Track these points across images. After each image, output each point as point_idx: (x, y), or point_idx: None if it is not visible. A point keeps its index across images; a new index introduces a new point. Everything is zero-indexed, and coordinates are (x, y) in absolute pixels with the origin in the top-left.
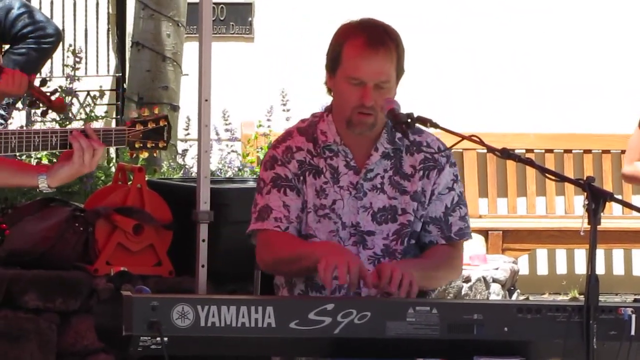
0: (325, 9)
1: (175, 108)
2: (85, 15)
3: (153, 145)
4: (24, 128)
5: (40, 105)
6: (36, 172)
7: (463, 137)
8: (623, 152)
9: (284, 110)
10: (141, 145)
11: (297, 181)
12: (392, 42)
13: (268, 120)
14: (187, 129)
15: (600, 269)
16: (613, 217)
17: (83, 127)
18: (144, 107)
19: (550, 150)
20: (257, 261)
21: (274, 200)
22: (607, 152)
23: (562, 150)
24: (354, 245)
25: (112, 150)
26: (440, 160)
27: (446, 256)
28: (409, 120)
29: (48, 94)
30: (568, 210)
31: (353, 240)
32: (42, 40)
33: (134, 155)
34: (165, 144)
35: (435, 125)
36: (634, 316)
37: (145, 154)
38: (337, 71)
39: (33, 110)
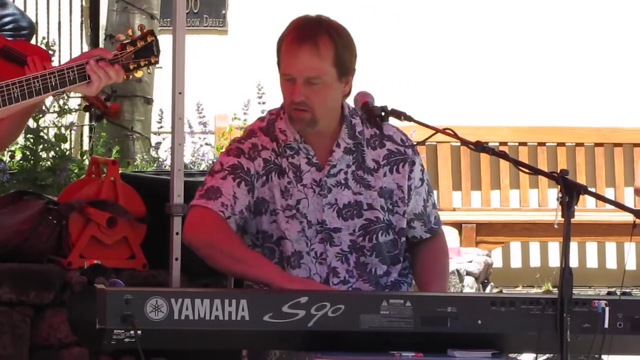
0: (299, 2)
1: (148, 101)
2: (59, 8)
3: (146, 62)
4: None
5: (96, 110)
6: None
7: (437, 130)
8: (596, 144)
9: (259, 103)
10: (135, 65)
11: (256, 180)
12: (324, 37)
13: (245, 113)
14: (160, 122)
15: (573, 262)
16: (587, 210)
17: (97, 56)
18: (129, 27)
19: (524, 143)
20: (184, 236)
21: (227, 187)
22: (580, 145)
23: (536, 143)
24: (321, 242)
25: (86, 142)
26: (408, 152)
27: (441, 251)
28: (383, 113)
29: (103, 98)
30: (541, 203)
31: (320, 238)
32: (16, 33)
33: (130, 77)
34: (156, 59)
35: (409, 119)
36: (607, 309)
37: (140, 73)
38: (279, 68)
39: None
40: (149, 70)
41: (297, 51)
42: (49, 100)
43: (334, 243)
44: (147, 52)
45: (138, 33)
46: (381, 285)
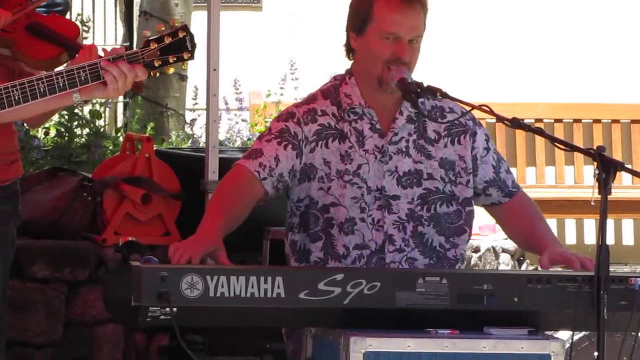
0: None
1: (183, 77)
2: None
3: (176, 58)
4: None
5: None
6: (70, 92)
7: (473, 107)
8: (633, 121)
9: (292, 79)
10: (161, 62)
11: (304, 145)
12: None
13: (281, 88)
14: (195, 99)
15: (610, 239)
16: (623, 187)
17: (111, 56)
18: (161, 23)
19: (559, 120)
20: None
21: (269, 149)
22: (616, 121)
23: (572, 120)
24: (379, 209)
25: (120, 119)
26: (469, 124)
27: (528, 203)
28: (419, 89)
29: None
30: (577, 180)
31: (378, 205)
32: (51, 9)
33: (157, 74)
34: (190, 54)
35: (445, 95)
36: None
37: (171, 70)
38: (366, 29)
39: None
40: (183, 66)
41: (406, 10)
42: None
43: (392, 210)
44: (178, 48)
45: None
46: (448, 260)
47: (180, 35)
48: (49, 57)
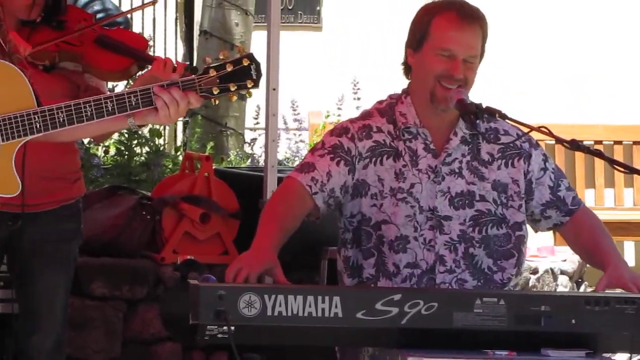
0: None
1: (243, 97)
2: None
3: (237, 87)
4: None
5: None
6: (125, 117)
7: (532, 129)
8: None
9: (354, 99)
10: (220, 90)
11: (357, 161)
12: (481, 19)
13: (339, 109)
14: (256, 118)
15: None
16: None
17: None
18: (225, 50)
19: (619, 142)
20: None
21: (322, 164)
22: None
23: (631, 142)
24: (431, 229)
25: (180, 138)
26: (524, 146)
27: (591, 219)
28: (477, 110)
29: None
30: (637, 202)
31: (430, 225)
32: (111, 28)
33: (216, 101)
34: (254, 83)
35: (504, 116)
36: None
37: (233, 98)
38: (423, 45)
39: None
40: (248, 95)
41: (464, 28)
42: None
43: (443, 231)
44: (241, 76)
45: (236, 55)
46: (495, 282)
47: (245, 63)
48: (119, 69)
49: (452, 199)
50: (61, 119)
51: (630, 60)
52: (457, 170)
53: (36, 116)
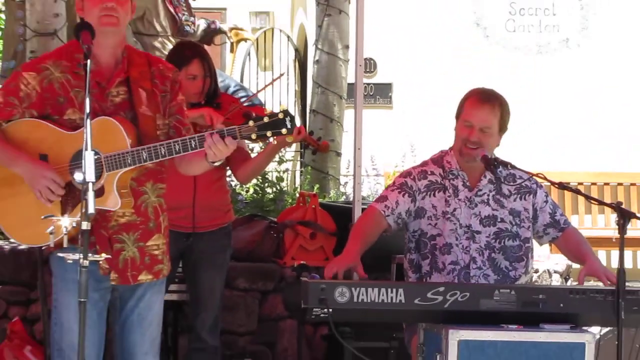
0: (441, 88)
1: (339, 154)
2: (280, 91)
3: (272, 133)
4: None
5: (311, 147)
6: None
7: (532, 175)
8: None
9: (412, 156)
10: (257, 136)
11: (417, 194)
12: (497, 102)
13: (402, 162)
14: (347, 168)
15: (628, 264)
16: (637, 229)
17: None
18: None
19: (594, 183)
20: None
21: (393, 196)
22: (634, 184)
23: (603, 183)
24: (467, 239)
25: (298, 182)
26: (532, 186)
27: (576, 234)
28: (496, 162)
29: (316, 139)
30: (607, 224)
31: (466, 236)
32: (253, 106)
33: (260, 143)
34: (288, 131)
35: (513, 167)
36: None
37: (266, 141)
38: (458, 118)
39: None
40: (288, 140)
41: (482, 107)
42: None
43: (475, 241)
44: (277, 126)
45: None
46: (510, 277)
47: (280, 116)
48: None
49: (482, 219)
50: (144, 156)
51: (603, 121)
52: (485, 201)
53: (127, 154)
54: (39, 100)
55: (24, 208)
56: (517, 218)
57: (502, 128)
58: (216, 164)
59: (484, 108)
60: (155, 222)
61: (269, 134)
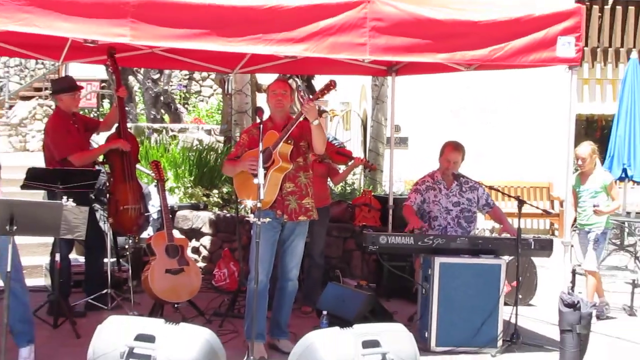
0: (434, 141)
1: (381, 171)
2: (354, 142)
3: (322, 94)
4: None
5: (367, 168)
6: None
7: (475, 181)
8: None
9: (418, 173)
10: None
11: (424, 192)
12: (461, 149)
13: (413, 175)
14: (385, 179)
15: (523, 226)
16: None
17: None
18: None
19: (506, 187)
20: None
21: (412, 196)
22: (534, 187)
23: (509, 186)
24: (446, 214)
25: (362, 183)
26: (476, 186)
27: (498, 210)
28: (459, 176)
29: (370, 164)
30: (511, 207)
31: (445, 212)
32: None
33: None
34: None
35: (465, 177)
36: (532, 241)
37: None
38: (442, 155)
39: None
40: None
41: (453, 152)
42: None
43: (449, 214)
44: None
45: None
46: (467, 231)
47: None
48: (341, 160)
49: (453, 204)
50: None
51: (532, 138)
52: (454, 194)
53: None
54: (248, 144)
55: (249, 189)
56: (469, 202)
57: (462, 160)
58: (314, 122)
59: (455, 152)
60: (306, 191)
61: (320, 95)
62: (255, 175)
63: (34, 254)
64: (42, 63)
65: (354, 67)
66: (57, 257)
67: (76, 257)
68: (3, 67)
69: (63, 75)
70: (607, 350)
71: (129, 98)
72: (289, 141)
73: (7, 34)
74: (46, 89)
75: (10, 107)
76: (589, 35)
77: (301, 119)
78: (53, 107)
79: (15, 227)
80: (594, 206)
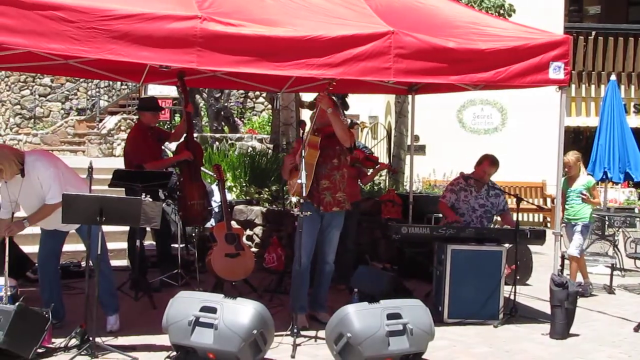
0: (446, 147)
1: (403, 173)
2: (381, 150)
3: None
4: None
5: (391, 171)
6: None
7: (500, 188)
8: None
9: (433, 175)
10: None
11: (457, 192)
12: (497, 163)
13: (429, 176)
14: (406, 179)
15: (521, 219)
16: (524, 205)
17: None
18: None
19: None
20: None
21: (447, 194)
22: (522, 187)
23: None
24: (472, 212)
25: (387, 183)
26: (499, 193)
27: (509, 214)
28: (489, 182)
29: (394, 168)
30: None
31: (472, 211)
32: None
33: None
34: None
35: (494, 184)
36: (528, 231)
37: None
38: (480, 165)
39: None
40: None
41: (490, 166)
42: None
43: (475, 213)
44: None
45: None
46: (487, 226)
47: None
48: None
49: (479, 205)
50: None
51: (529, 136)
52: (482, 197)
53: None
54: (297, 149)
55: (294, 185)
56: (492, 205)
57: (495, 172)
58: (329, 110)
59: (492, 167)
60: (339, 187)
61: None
62: (297, 169)
63: (117, 240)
64: (126, 84)
65: (381, 87)
66: (137, 242)
67: (151, 242)
68: (95, 88)
69: (145, 95)
70: (590, 322)
71: (195, 113)
72: (316, 133)
73: (99, 61)
74: (129, 105)
75: (101, 120)
76: (575, 60)
77: (319, 108)
78: (135, 120)
79: (104, 218)
80: (582, 194)
